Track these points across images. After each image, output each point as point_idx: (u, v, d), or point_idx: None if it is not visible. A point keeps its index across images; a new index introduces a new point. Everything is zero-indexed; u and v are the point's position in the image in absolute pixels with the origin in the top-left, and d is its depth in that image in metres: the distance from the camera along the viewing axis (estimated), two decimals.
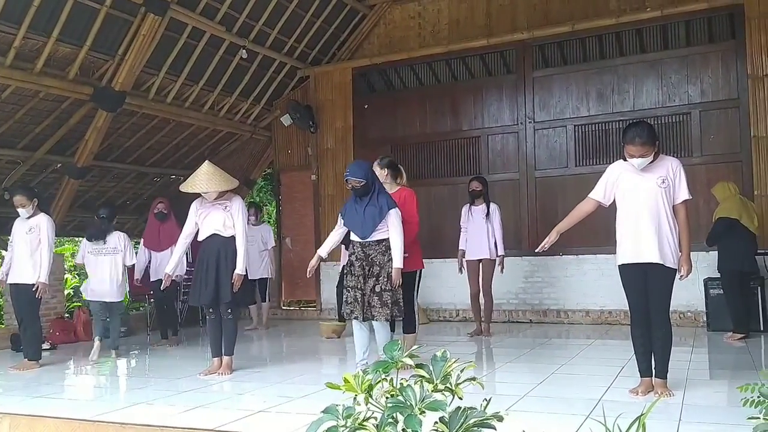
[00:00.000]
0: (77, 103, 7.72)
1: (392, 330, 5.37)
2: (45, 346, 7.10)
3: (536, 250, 4.45)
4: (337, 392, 1.45)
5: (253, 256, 8.43)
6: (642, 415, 1.83)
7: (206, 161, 5.68)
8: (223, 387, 4.96)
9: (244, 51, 8.86)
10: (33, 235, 6.19)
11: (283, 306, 10.37)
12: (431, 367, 1.37)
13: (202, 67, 8.70)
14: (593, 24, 8.36)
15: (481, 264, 7.17)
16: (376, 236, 4.95)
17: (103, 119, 7.76)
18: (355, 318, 4.98)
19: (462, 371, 1.42)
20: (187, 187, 5.50)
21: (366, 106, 9.82)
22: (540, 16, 8.81)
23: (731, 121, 7.87)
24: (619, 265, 4.24)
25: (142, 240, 7.77)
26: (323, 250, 5.34)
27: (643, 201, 4.10)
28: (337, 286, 7.46)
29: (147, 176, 10.14)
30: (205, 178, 5.42)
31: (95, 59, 7.54)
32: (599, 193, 4.30)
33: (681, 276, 4.15)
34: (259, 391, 4.79)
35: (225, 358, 5.47)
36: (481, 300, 7.37)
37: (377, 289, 4.89)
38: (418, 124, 9.64)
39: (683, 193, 4.11)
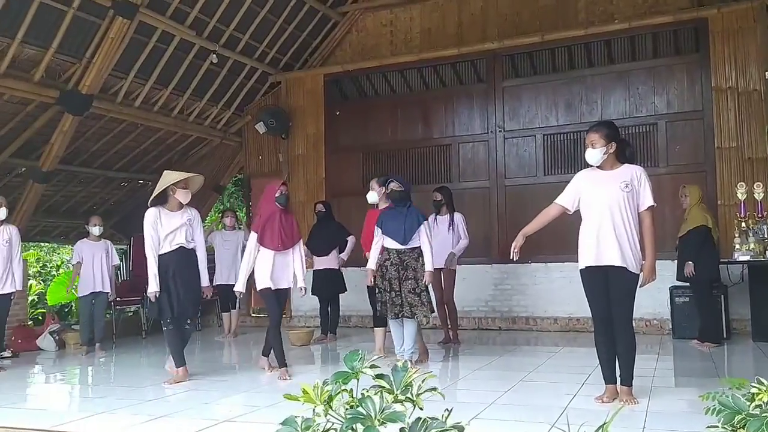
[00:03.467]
0: (43, 106, 7.60)
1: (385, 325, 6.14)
2: (6, 354, 6.98)
3: (512, 258, 4.45)
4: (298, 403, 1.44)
5: (227, 262, 8.35)
6: (605, 423, 1.84)
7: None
8: (188, 396, 4.88)
9: (214, 56, 8.80)
10: (8, 246, 6.35)
11: (252, 314, 10.27)
12: (392, 378, 1.36)
13: (172, 72, 8.61)
14: (562, 35, 8.47)
15: (441, 273, 7.15)
16: (411, 244, 5.68)
17: (69, 123, 7.64)
18: (392, 317, 5.66)
19: (423, 381, 1.41)
20: (194, 184, 5.50)
21: (338, 113, 9.81)
22: (510, 26, 8.90)
23: (696, 132, 8.02)
24: (580, 270, 4.27)
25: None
26: (372, 264, 5.87)
27: (605, 205, 4.14)
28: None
29: (114, 181, 10.01)
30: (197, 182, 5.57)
31: (62, 62, 7.44)
32: (565, 199, 4.35)
33: (641, 284, 4.19)
34: (226, 399, 4.73)
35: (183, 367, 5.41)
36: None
37: (417, 290, 5.59)
38: (389, 131, 9.66)
39: (648, 200, 4.15)
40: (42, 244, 12.82)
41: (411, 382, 1.34)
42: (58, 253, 14.65)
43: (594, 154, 4.20)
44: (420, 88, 9.67)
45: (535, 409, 4.12)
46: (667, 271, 7.44)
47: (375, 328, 6.33)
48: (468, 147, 9.18)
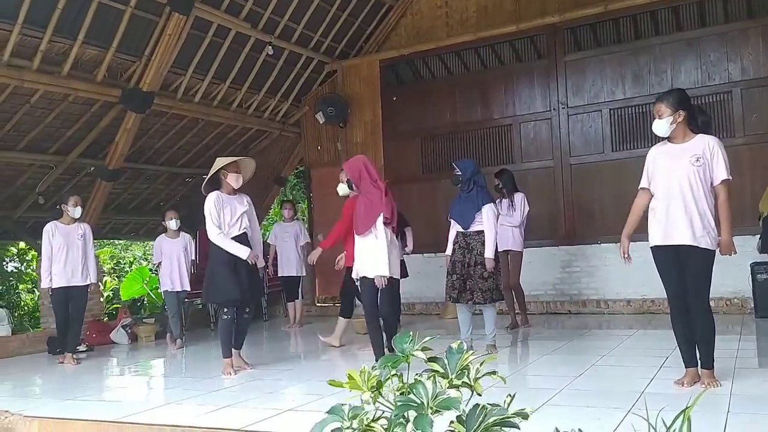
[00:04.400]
0: (106, 105, 7.77)
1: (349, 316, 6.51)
2: (81, 348, 7.19)
3: (626, 263, 4.18)
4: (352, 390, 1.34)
5: (287, 253, 8.38)
6: (687, 408, 1.67)
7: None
8: (253, 386, 4.88)
9: (270, 47, 8.81)
10: (83, 241, 6.67)
11: (318, 303, 10.31)
12: (446, 361, 1.23)
13: (229, 65, 8.67)
14: (627, 3, 8.07)
15: (508, 256, 6.97)
16: (476, 227, 5.51)
17: (132, 121, 7.78)
18: (456, 301, 5.52)
19: (481, 365, 1.28)
20: (246, 170, 5.52)
21: (395, 99, 9.67)
22: None
23: None
24: (651, 247, 4.04)
25: None
26: (448, 250, 5.69)
27: (675, 181, 3.89)
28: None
29: (179, 177, 10.19)
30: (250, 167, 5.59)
31: (122, 61, 7.57)
32: (645, 181, 4.10)
33: (722, 253, 3.91)
34: (290, 389, 4.71)
35: (236, 352, 5.40)
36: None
37: (485, 275, 5.40)
38: (448, 114, 9.47)
39: (721, 173, 3.85)
40: (114, 241, 13.24)
41: (468, 365, 1.21)
42: (131, 250, 15.12)
43: (661, 125, 3.93)
44: (478, 68, 9.43)
45: (609, 394, 3.91)
46: (748, 247, 7.06)
47: (339, 317, 6.54)
48: (530, 126, 8.90)
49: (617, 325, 7.30)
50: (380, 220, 5.00)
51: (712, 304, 7.42)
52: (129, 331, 7.99)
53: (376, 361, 4.88)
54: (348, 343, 6.65)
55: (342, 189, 6.00)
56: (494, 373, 1.29)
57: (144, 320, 8.49)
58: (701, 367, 3.94)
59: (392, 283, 5.18)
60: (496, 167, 8.26)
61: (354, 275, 5.41)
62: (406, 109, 9.66)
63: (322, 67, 10.00)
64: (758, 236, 6.76)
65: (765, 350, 5.54)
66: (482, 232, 5.52)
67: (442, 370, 1.21)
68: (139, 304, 10.60)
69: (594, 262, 8.27)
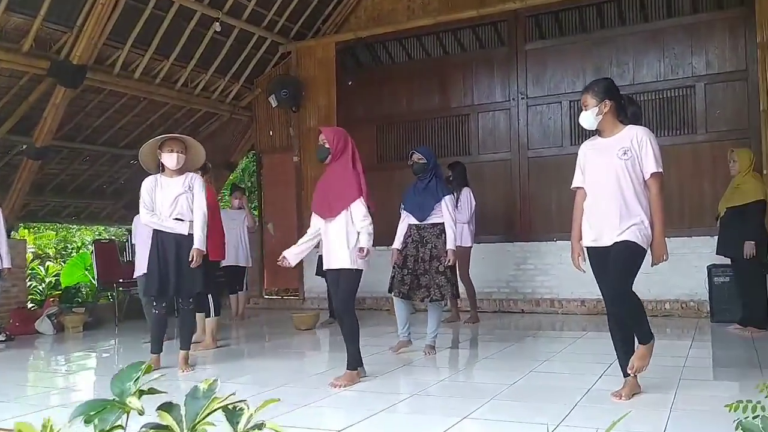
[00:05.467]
0: (36, 78, 7.22)
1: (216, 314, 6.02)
2: (0, 337, 6.71)
3: (580, 270, 3.81)
4: None
5: (233, 242, 7.92)
6: (610, 427, 1.30)
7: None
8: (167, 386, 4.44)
9: (217, 24, 8.30)
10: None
11: (265, 295, 9.87)
12: (183, 408, 0.83)
13: (173, 41, 8.15)
14: None
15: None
16: (431, 219, 5.22)
17: (61, 95, 7.24)
18: (406, 297, 5.22)
19: (256, 411, 0.88)
20: (192, 151, 5.04)
21: (350, 83, 9.22)
22: None
23: (738, 95, 7.24)
24: (585, 248, 3.71)
25: None
26: (396, 243, 5.33)
27: (603, 177, 3.58)
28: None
29: (122, 158, 9.64)
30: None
31: (51, 31, 7.03)
32: (578, 180, 3.80)
33: (651, 264, 3.59)
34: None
35: (182, 353, 4.98)
36: (463, 288, 6.87)
37: (441, 269, 5.11)
38: (405, 101, 9.07)
39: (650, 166, 3.53)
40: (55, 224, 12.60)
41: (208, 413, 0.80)
42: (80, 234, 14.48)
43: (587, 116, 3.62)
44: (438, 54, 9.04)
45: (540, 407, 3.55)
46: (706, 248, 6.79)
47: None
48: (488, 116, 8.54)
49: (570, 325, 7.00)
50: (357, 204, 4.29)
51: (666, 306, 7.23)
52: (54, 320, 7.47)
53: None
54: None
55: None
56: (261, 426, 0.88)
57: (73, 309, 7.97)
58: (638, 342, 3.60)
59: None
60: (453, 158, 7.92)
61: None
62: (363, 94, 9.24)
63: (276, 48, 9.51)
64: (717, 237, 6.48)
65: (718, 359, 5.23)
66: (438, 224, 5.23)
67: (174, 425, 0.81)
68: (74, 291, 10.02)
69: (549, 260, 7.95)
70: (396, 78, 9.14)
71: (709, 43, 7.40)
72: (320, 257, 7.36)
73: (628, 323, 3.62)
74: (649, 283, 6.85)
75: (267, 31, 9.08)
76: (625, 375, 3.69)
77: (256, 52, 9.30)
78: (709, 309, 6.76)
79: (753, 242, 5.78)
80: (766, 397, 1.80)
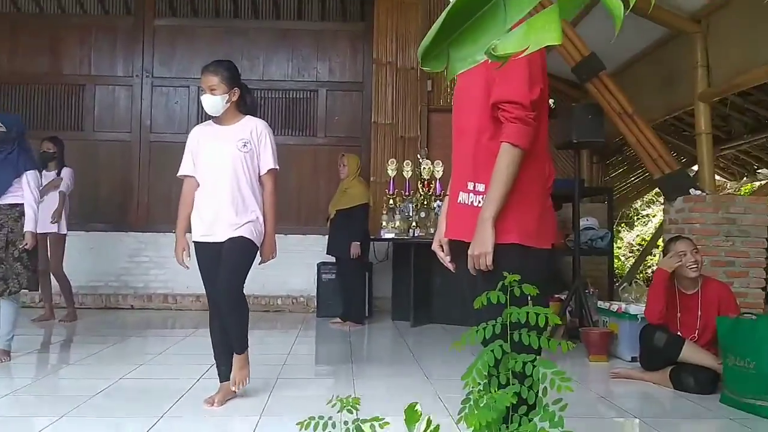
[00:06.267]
0: None
1: None
2: None
3: (185, 267, 3.42)
4: None
5: None
6: None
7: None
8: None
9: None
10: None
11: None
12: None
13: None
14: None
15: (48, 239, 5.85)
16: (8, 199, 4.40)
17: None
18: None
19: None
20: None
21: None
22: None
23: (355, 105, 7.77)
24: (194, 242, 3.43)
25: None
26: None
27: (220, 168, 3.38)
28: None
29: None
30: None
31: None
32: (189, 168, 3.47)
33: (260, 261, 3.51)
34: None
35: None
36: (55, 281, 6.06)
37: (16, 254, 4.37)
38: (5, 59, 7.66)
39: (268, 161, 3.46)
40: None
41: None
42: None
43: (215, 102, 3.36)
44: (53, 10, 7.83)
45: (119, 422, 3.10)
46: (318, 246, 7.09)
47: None
48: (107, 91, 7.71)
49: (182, 322, 6.64)
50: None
51: (279, 302, 7.36)
52: None
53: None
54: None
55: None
56: None
57: None
58: (235, 352, 3.43)
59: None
60: (63, 133, 6.93)
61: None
62: None
63: None
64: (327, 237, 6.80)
65: (318, 354, 5.41)
66: (16, 205, 4.42)
67: None
68: None
69: (165, 252, 7.44)
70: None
71: (332, 51, 7.79)
72: None
73: (233, 327, 3.41)
74: (263, 279, 6.89)
75: None
76: (222, 378, 3.48)
77: None
78: (316, 304, 7.06)
79: (358, 243, 6.18)
80: (339, 411, 1.69)
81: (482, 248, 2.00)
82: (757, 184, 8.34)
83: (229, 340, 3.44)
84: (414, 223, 6.57)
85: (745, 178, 8.56)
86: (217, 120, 3.45)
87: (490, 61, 0.80)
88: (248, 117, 3.50)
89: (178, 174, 3.49)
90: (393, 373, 4.32)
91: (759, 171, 7.95)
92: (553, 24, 0.77)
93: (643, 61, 6.27)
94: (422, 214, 6.61)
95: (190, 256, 3.47)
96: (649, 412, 3.53)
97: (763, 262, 4.89)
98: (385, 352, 5.47)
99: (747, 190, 9.56)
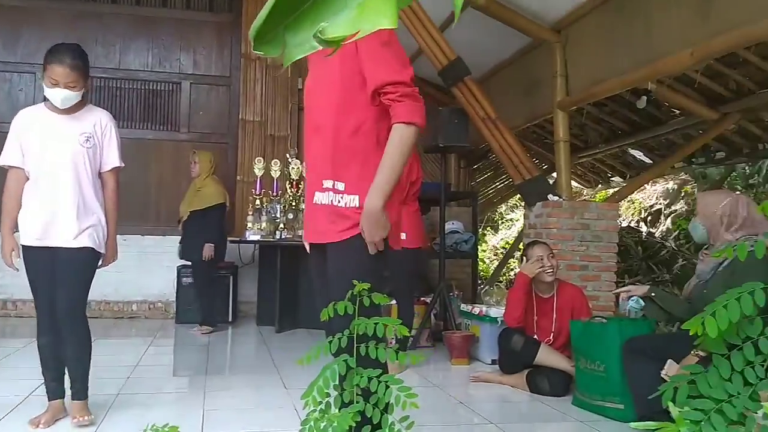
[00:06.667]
0: None
1: None
2: None
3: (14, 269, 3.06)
4: None
5: None
6: None
7: None
8: None
9: None
10: None
11: None
12: None
13: None
14: None
15: None
16: None
17: None
18: None
19: None
20: None
21: None
22: None
23: (222, 100, 7.44)
24: (22, 245, 3.05)
25: None
26: None
27: (59, 163, 3.03)
28: None
29: None
30: None
31: None
32: (16, 158, 3.06)
33: (100, 265, 3.19)
34: None
35: None
36: None
37: None
38: None
39: (114, 158, 3.17)
40: None
41: None
42: None
43: (70, 97, 2.99)
44: None
45: None
46: (168, 248, 6.70)
47: None
48: None
49: (22, 331, 6.00)
50: None
51: (134, 307, 6.88)
52: None
53: None
54: None
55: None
56: None
57: None
58: (72, 398, 3.09)
59: None
60: None
61: None
62: None
63: None
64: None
65: (175, 364, 5.04)
66: None
67: None
68: None
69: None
70: None
71: (197, 42, 7.41)
72: None
73: (72, 361, 3.09)
74: (117, 284, 6.41)
75: None
76: (52, 396, 3.12)
77: None
78: (175, 309, 6.67)
79: (212, 245, 5.87)
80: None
81: (380, 235, 1.99)
82: (611, 191, 8.83)
83: (66, 365, 3.10)
84: (281, 225, 6.35)
85: (599, 186, 9.03)
86: (53, 106, 3.07)
87: (321, 47, 0.67)
88: (89, 106, 3.17)
89: (2, 163, 3.07)
90: (249, 384, 4.09)
91: (612, 179, 8.40)
92: (388, 6, 0.67)
93: (508, 68, 6.42)
94: (290, 216, 6.41)
95: (20, 256, 3.09)
96: (504, 416, 3.54)
97: (615, 266, 5.11)
98: (246, 360, 5.22)
99: (602, 197, 10.12)
